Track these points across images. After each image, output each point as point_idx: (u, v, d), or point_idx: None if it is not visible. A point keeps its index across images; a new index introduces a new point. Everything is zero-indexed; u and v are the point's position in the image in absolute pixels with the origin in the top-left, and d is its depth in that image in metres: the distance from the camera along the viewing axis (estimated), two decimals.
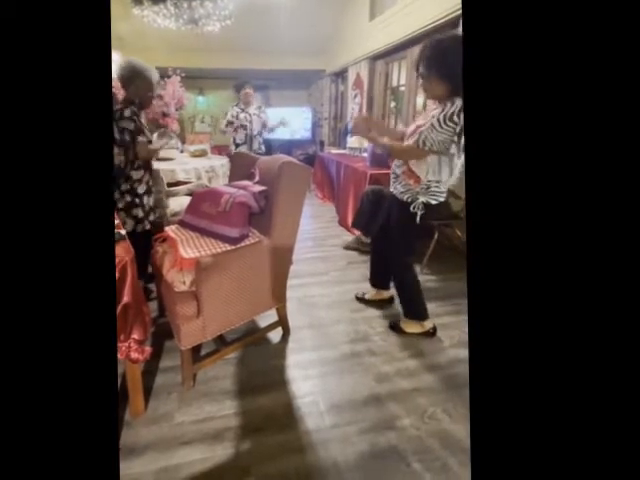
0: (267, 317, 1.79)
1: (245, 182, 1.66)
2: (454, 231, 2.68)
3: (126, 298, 1.10)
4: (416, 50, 3.18)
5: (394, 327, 1.83)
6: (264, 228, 1.55)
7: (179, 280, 1.35)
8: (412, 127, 1.65)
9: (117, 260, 1.08)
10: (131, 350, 1.15)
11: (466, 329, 1.82)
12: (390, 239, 1.76)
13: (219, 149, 5.76)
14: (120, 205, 1.93)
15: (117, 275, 1.08)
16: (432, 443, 1.21)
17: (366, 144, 3.84)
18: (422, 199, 1.61)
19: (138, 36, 4.62)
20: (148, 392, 1.40)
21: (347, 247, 2.96)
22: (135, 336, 1.15)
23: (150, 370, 1.52)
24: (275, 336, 1.78)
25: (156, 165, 2.33)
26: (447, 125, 1.44)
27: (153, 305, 1.93)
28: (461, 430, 1.25)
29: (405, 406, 1.36)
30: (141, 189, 1.98)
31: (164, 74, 3.64)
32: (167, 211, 2.41)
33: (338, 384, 1.48)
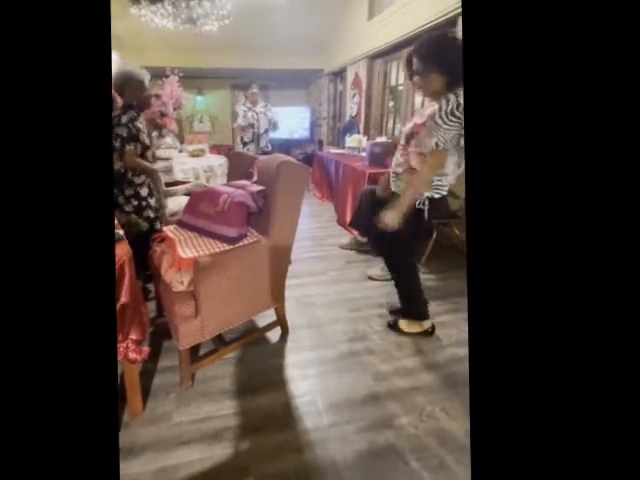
0: (266, 317, 1.79)
1: (243, 182, 1.66)
2: (452, 230, 2.68)
3: (124, 298, 1.09)
4: None
5: (393, 326, 1.83)
6: (262, 228, 1.55)
7: (177, 280, 1.35)
8: (409, 125, 1.64)
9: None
10: (129, 350, 1.14)
11: (464, 328, 1.82)
12: (392, 239, 1.75)
13: (218, 149, 5.75)
14: (128, 209, 1.98)
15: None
16: (430, 441, 1.21)
17: (364, 143, 3.84)
18: (427, 194, 1.61)
19: (135, 36, 4.60)
20: (146, 392, 1.40)
21: (343, 247, 2.95)
22: (133, 336, 1.15)
23: (148, 370, 1.52)
24: (274, 336, 1.78)
25: (155, 165, 2.33)
26: (451, 121, 1.43)
27: (151, 305, 1.92)
28: (459, 428, 1.26)
29: (403, 405, 1.36)
30: (144, 192, 2.03)
31: (162, 74, 3.63)
32: (165, 211, 2.40)
33: (336, 383, 1.48)
